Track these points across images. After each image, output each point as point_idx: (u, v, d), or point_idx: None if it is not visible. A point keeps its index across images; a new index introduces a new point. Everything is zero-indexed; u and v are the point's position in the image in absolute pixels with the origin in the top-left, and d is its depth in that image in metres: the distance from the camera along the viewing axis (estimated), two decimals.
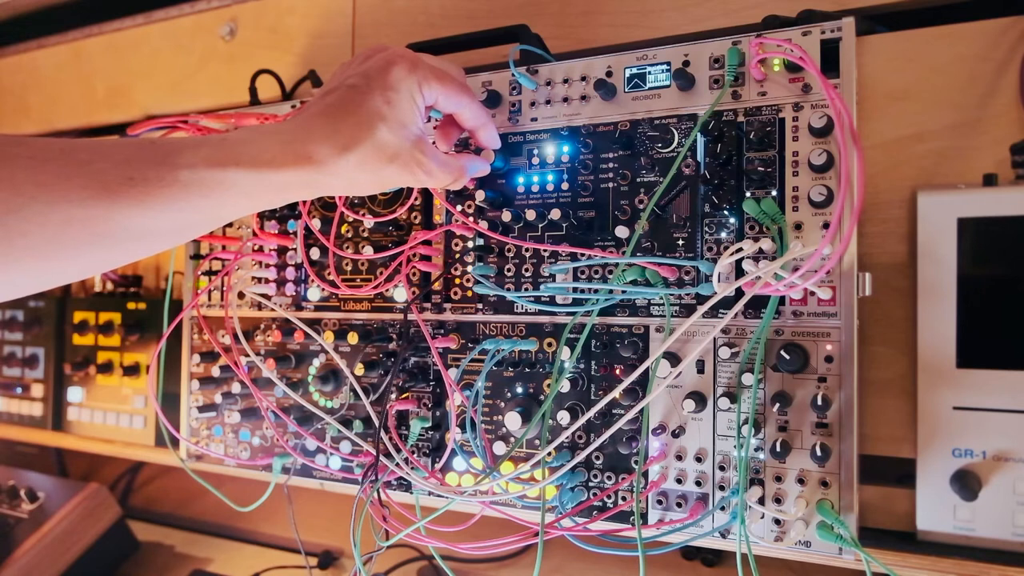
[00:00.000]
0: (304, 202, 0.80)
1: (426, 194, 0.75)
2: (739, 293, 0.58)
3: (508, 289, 0.69)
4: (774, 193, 0.59)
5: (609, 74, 0.66)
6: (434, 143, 0.73)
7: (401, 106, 0.55)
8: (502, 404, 0.70)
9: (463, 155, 0.66)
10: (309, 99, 0.81)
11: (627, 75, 0.66)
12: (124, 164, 0.45)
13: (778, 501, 0.58)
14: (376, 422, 0.71)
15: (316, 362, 0.81)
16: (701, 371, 0.62)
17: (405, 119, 0.56)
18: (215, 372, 0.84)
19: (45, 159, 0.43)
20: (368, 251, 0.76)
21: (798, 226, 0.58)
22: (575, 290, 0.66)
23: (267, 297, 0.84)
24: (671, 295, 0.62)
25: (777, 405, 0.58)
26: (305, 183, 0.52)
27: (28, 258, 0.43)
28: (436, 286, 0.74)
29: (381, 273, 0.76)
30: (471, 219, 0.71)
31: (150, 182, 0.45)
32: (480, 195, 0.69)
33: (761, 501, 0.59)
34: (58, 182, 0.42)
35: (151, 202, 0.45)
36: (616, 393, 0.58)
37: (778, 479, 0.58)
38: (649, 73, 0.65)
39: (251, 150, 0.50)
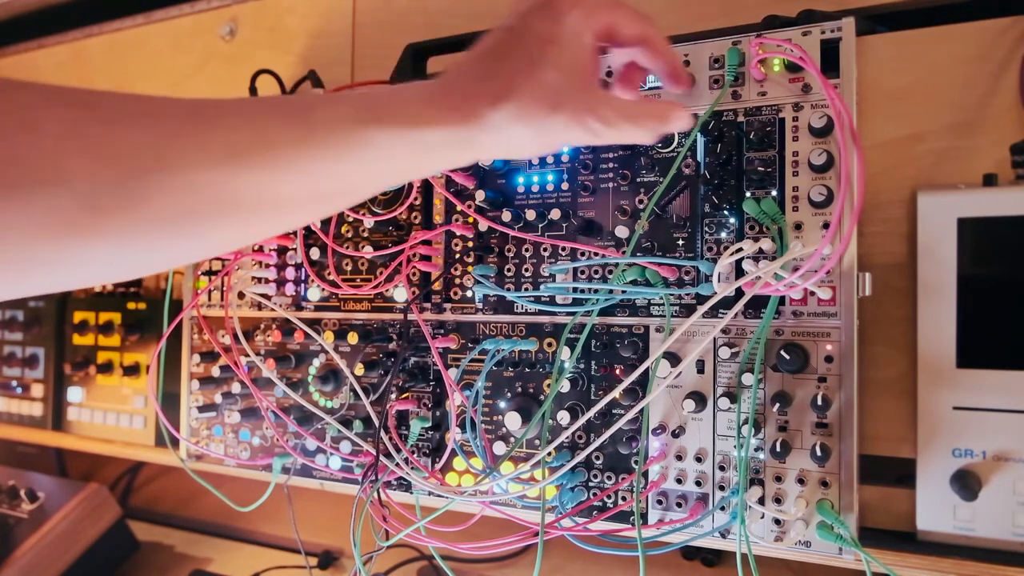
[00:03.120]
0: None
1: (426, 193, 0.75)
2: (739, 293, 0.58)
3: (508, 289, 0.69)
4: (774, 193, 0.59)
5: (609, 74, 0.66)
6: None
7: (567, 44, 0.46)
8: (502, 404, 0.70)
9: (653, 100, 0.55)
10: None
11: None
12: (251, 122, 0.39)
13: (778, 501, 0.58)
14: (376, 422, 0.71)
15: (316, 362, 0.81)
16: (701, 371, 0.62)
17: (571, 59, 0.46)
18: (215, 372, 0.84)
19: (166, 116, 0.38)
20: (368, 251, 0.76)
21: (798, 226, 0.58)
22: (575, 290, 0.66)
23: (267, 297, 0.84)
24: (671, 295, 0.62)
25: (777, 405, 0.58)
26: (457, 142, 0.44)
27: (152, 231, 0.37)
28: (436, 286, 0.74)
29: (381, 273, 0.76)
30: (474, 215, 0.71)
31: (280, 142, 0.39)
32: (480, 195, 0.69)
33: (761, 501, 0.59)
34: (181, 142, 0.37)
35: (283, 165, 0.39)
36: (616, 393, 0.58)
37: (778, 479, 0.58)
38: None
39: (394, 105, 0.43)
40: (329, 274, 0.79)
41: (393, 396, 0.74)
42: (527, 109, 0.45)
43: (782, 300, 0.59)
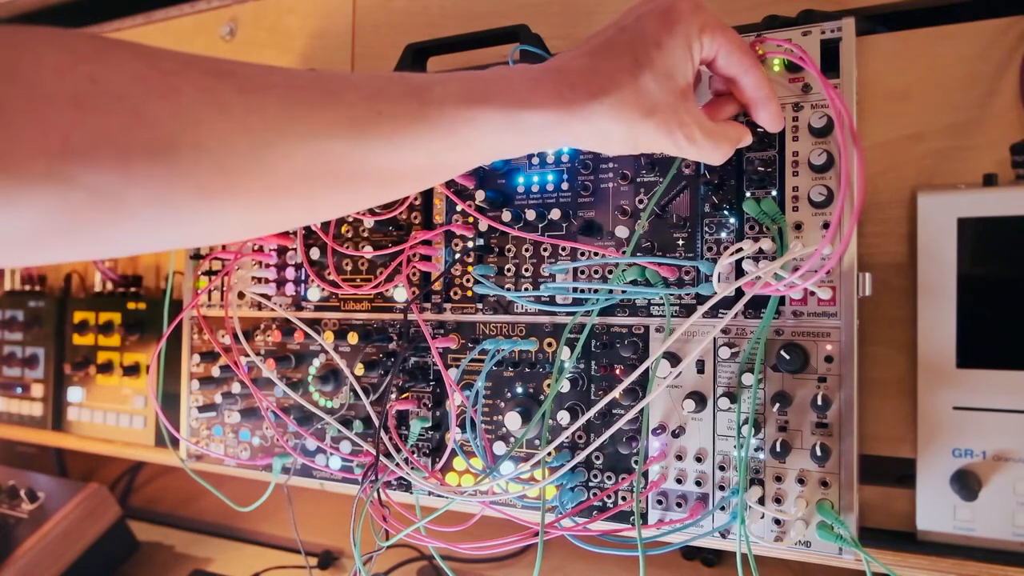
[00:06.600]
0: None
1: (426, 193, 0.75)
2: (739, 293, 0.58)
3: (508, 289, 0.69)
4: (774, 193, 0.59)
5: None
6: None
7: (673, 52, 0.48)
8: (502, 404, 0.70)
9: (731, 123, 0.56)
10: None
11: None
12: (373, 97, 0.41)
13: (778, 501, 0.58)
14: (376, 422, 0.71)
15: (316, 362, 0.81)
16: (701, 371, 0.62)
17: (674, 68, 0.48)
18: (215, 372, 0.84)
19: (294, 88, 0.39)
20: (368, 251, 0.76)
21: (798, 226, 0.58)
22: (575, 290, 0.66)
23: (267, 297, 0.84)
24: (671, 295, 0.62)
25: (777, 405, 0.58)
26: (555, 127, 0.46)
27: (278, 196, 0.40)
28: (436, 286, 0.74)
29: (381, 273, 0.76)
30: (475, 214, 0.71)
31: (398, 117, 0.42)
32: (480, 195, 0.69)
33: (761, 501, 0.59)
34: (308, 113, 0.39)
35: (399, 139, 0.42)
36: (616, 393, 0.58)
37: (778, 479, 0.58)
38: None
39: (502, 87, 0.45)
40: (329, 274, 0.79)
41: (393, 396, 0.74)
42: (622, 108, 0.47)
43: (782, 300, 0.59)
